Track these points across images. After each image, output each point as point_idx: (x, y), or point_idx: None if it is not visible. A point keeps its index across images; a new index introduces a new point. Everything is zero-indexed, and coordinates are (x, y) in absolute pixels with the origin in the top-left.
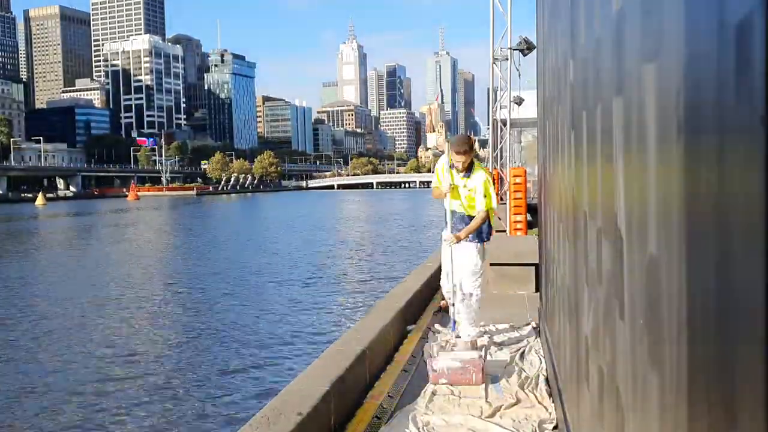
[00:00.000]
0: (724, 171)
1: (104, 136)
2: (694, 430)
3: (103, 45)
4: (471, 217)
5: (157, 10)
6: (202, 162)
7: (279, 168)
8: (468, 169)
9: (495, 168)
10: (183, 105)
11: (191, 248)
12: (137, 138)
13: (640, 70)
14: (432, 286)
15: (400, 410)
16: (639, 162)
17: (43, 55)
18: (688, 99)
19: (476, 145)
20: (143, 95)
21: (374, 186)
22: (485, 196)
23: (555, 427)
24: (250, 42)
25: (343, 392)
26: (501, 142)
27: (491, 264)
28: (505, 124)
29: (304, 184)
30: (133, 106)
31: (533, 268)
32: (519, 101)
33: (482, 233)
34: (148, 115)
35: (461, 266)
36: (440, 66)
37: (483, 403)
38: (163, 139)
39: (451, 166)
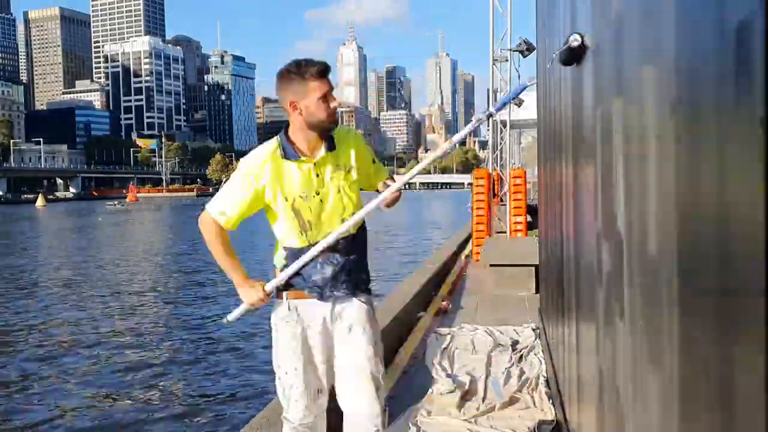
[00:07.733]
0: (724, 171)
1: (104, 137)
2: (693, 431)
3: (103, 46)
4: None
5: (157, 11)
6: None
7: None
8: (328, 137)
9: (495, 169)
10: (183, 106)
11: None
12: (137, 139)
13: (640, 71)
14: (436, 286)
15: (400, 411)
16: (639, 162)
17: (43, 56)
18: (688, 100)
19: (475, 147)
20: (143, 97)
21: None
22: (371, 171)
23: (554, 429)
24: (250, 43)
25: None
26: (501, 144)
27: (491, 265)
28: (504, 126)
29: None
30: (133, 107)
31: (533, 269)
32: (519, 102)
33: (367, 275)
34: (148, 117)
35: (356, 353)
36: (440, 67)
37: (483, 404)
38: (163, 141)
39: (286, 156)
